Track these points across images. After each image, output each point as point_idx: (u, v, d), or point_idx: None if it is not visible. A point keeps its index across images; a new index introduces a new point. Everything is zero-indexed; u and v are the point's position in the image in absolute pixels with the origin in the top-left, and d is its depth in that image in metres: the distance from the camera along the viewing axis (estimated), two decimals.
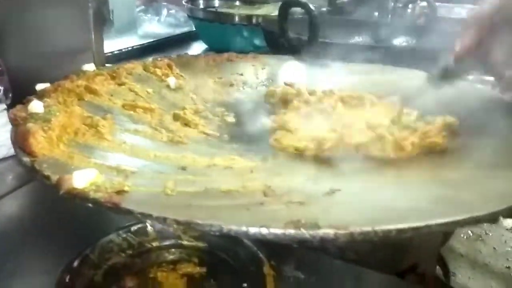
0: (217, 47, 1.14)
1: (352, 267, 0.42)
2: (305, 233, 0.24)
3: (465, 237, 0.63)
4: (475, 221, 0.26)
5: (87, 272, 0.38)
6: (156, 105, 0.53)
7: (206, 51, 1.18)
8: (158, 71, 0.62)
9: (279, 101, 0.57)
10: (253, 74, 0.68)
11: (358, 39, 0.94)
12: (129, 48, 1.05)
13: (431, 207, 0.29)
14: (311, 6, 0.68)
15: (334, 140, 0.42)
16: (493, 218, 0.27)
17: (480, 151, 0.39)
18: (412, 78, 0.59)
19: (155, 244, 0.42)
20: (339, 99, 0.54)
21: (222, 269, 0.40)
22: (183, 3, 1.14)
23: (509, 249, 0.62)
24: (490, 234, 0.64)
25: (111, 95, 0.52)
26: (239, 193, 0.31)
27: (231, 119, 0.54)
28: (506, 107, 0.45)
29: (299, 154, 0.43)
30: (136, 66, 0.62)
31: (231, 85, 0.65)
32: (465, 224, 0.27)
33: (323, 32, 0.74)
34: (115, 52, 1.00)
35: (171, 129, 0.48)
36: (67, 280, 0.36)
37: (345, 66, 0.68)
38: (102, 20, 0.73)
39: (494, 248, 0.62)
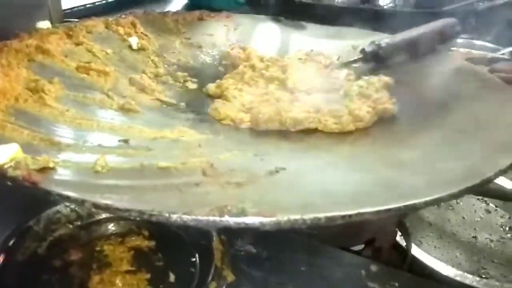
0: (198, 3, 1.08)
1: (306, 242, 0.41)
2: (229, 220, 0.23)
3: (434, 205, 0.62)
4: (412, 208, 0.24)
5: (30, 244, 0.37)
6: (113, 68, 0.50)
7: (187, 6, 1.12)
8: (121, 30, 0.58)
9: (230, 65, 0.54)
10: (224, 35, 0.65)
11: None
12: (96, 3, 0.98)
13: (374, 191, 0.27)
14: None
15: (270, 113, 0.40)
16: (434, 204, 0.25)
17: (433, 125, 0.37)
18: None
19: (105, 215, 0.41)
20: (286, 66, 0.51)
21: (172, 242, 0.39)
22: None
23: (478, 219, 0.62)
24: (461, 203, 0.64)
25: (65, 56, 0.49)
26: (177, 171, 0.30)
27: (192, 85, 0.51)
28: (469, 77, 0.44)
29: (262, 130, 0.41)
30: (97, 23, 0.58)
31: (199, 46, 0.61)
32: (401, 211, 0.26)
33: None
34: (79, 8, 0.94)
35: (125, 95, 0.45)
36: (4, 253, 0.34)
37: (321, 29, 0.64)
38: None
39: (463, 217, 0.62)
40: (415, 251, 0.49)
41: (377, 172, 0.30)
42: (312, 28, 0.66)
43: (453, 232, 0.58)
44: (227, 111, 0.41)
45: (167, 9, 1.11)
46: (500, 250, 0.51)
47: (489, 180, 0.27)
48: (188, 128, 0.39)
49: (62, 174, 0.27)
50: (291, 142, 0.38)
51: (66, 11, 0.87)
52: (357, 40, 0.58)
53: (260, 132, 0.41)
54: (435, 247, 0.55)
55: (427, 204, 0.25)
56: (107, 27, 0.58)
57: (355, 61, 0.53)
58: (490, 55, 0.83)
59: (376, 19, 0.71)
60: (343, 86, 0.47)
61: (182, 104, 0.46)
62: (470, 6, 0.85)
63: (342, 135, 0.40)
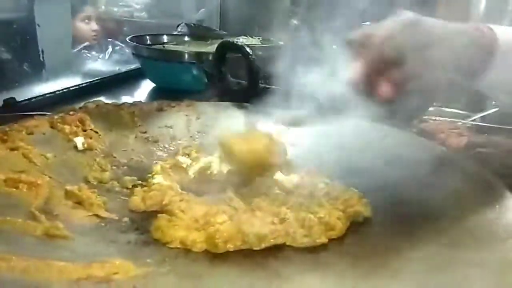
0: (165, 86, 1.06)
1: None
2: None
3: None
4: None
5: None
6: (48, 177, 0.43)
7: (154, 90, 1.09)
8: (67, 129, 0.53)
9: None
10: (185, 127, 0.60)
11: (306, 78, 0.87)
12: (65, 90, 0.94)
13: None
14: (248, 50, 0.61)
15: (230, 232, 0.33)
16: None
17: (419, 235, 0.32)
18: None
19: None
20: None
21: None
22: (127, 40, 1.05)
23: None
24: None
25: None
26: None
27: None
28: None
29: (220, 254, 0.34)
30: (40, 123, 0.53)
31: (156, 141, 0.56)
32: None
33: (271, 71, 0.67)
34: (46, 96, 0.90)
35: (56, 213, 0.38)
36: None
37: (286, 114, 0.60)
38: None
39: None
40: None
41: None
42: (280, 114, 0.62)
43: None
44: (174, 231, 0.34)
45: (134, 94, 1.09)
46: None
47: None
48: (123, 260, 0.31)
49: None
50: (253, 270, 0.31)
51: (22, 103, 0.83)
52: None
53: (216, 256, 0.34)
54: None
55: None
56: (52, 126, 0.53)
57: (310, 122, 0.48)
58: (462, 121, 0.81)
59: None
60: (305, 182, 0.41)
61: (125, 219, 0.39)
62: None
63: (315, 253, 0.34)
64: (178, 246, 0.34)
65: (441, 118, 0.83)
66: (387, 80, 0.38)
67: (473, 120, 0.83)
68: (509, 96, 0.56)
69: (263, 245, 0.34)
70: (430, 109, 0.86)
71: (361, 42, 0.40)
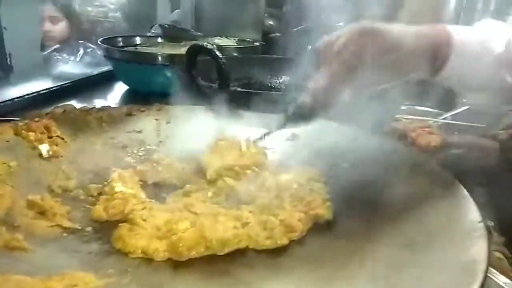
0: (138, 88, 1.04)
1: None
2: None
3: None
4: None
5: None
6: (10, 187, 0.42)
7: (128, 92, 1.08)
8: (31, 135, 0.52)
9: None
10: (154, 131, 0.59)
11: (280, 80, 0.88)
12: (34, 94, 0.92)
13: None
14: (218, 53, 0.61)
15: (192, 238, 0.33)
16: None
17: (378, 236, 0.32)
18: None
19: None
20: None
21: None
22: (99, 42, 1.04)
23: None
24: None
25: None
26: None
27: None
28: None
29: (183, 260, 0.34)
30: (4, 129, 0.51)
31: (124, 147, 0.55)
32: None
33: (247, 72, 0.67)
34: (15, 100, 0.87)
35: (17, 224, 0.37)
36: None
37: (257, 117, 0.60)
38: None
39: None
40: None
41: None
42: (251, 117, 0.62)
43: None
44: (136, 241, 0.34)
45: (107, 97, 1.07)
46: None
47: None
48: (84, 272, 0.31)
49: None
50: (217, 277, 0.31)
51: None
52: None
53: (180, 264, 0.33)
54: None
55: None
56: (16, 133, 0.51)
57: (282, 126, 0.49)
58: (433, 120, 0.83)
59: None
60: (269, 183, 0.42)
61: (89, 229, 0.38)
62: None
63: (277, 257, 0.34)
64: (140, 256, 0.34)
65: (413, 117, 0.85)
66: (348, 87, 0.39)
67: (444, 119, 0.86)
68: (477, 94, 0.58)
69: (226, 250, 0.35)
70: (402, 107, 0.88)
71: (323, 51, 0.42)
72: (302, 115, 0.44)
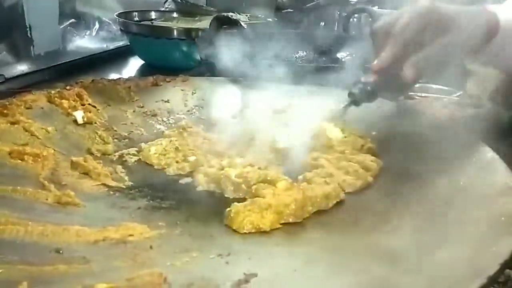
0: (154, 63, 1.05)
1: None
2: None
3: None
4: None
5: None
6: (52, 149, 0.44)
7: (143, 67, 1.08)
8: (65, 103, 0.53)
9: None
10: (181, 101, 0.61)
11: (301, 53, 0.88)
12: (51, 68, 0.93)
13: None
14: (243, 24, 0.61)
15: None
16: None
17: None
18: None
19: None
20: None
21: None
22: (115, 16, 1.04)
23: None
24: None
25: None
26: None
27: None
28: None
29: None
30: (38, 97, 0.53)
31: (154, 115, 0.57)
32: None
33: (264, 47, 0.67)
34: (35, 73, 0.88)
35: (64, 182, 0.39)
36: None
37: (281, 88, 0.61)
38: None
39: None
40: None
41: (368, 272, 0.25)
42: (274, 88, 0.63)
43: None
44: (251, 216, 0.34)
45: (122, 72, 1.08)
46: None
47: (495, 279, 0.23)
48: (137, 223, 0.33)
49: None
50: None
51: (9, 80, 0.81)
52: (323, 97, 0.55)
53: None
54: None
55: None
56: (49, 101, 0.53)
57: (347, 106, 0.49)
58: (447, 98, 0.84)
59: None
60: None
61: (133, 188, 0.40)
62: None
63: (317, 214, 0.36)
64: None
65: (427, 94, 0.85)
66: (410, 64, 0.41)
67: (457, 96, 0.86)
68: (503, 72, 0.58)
69: (330, 204, 0.37)
70: (416, 85, 0.89)
71: (386, 31, 0.43)
72: (367, 94, 0.46)
